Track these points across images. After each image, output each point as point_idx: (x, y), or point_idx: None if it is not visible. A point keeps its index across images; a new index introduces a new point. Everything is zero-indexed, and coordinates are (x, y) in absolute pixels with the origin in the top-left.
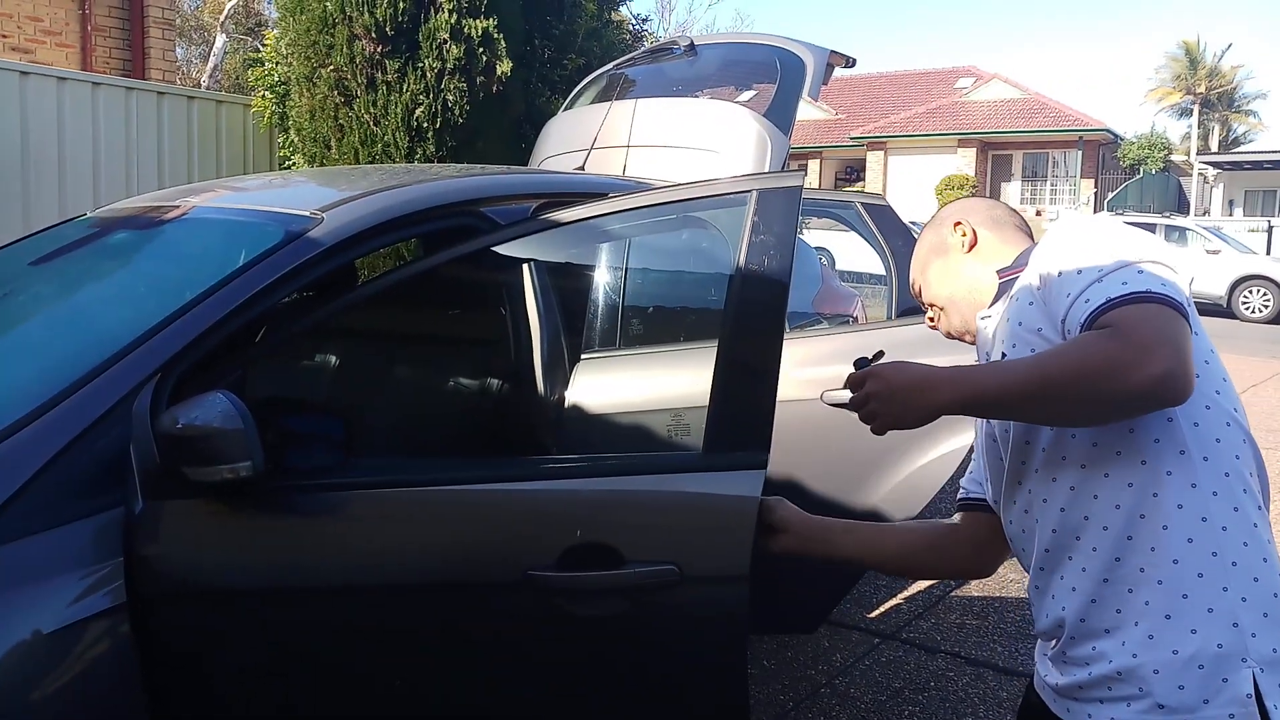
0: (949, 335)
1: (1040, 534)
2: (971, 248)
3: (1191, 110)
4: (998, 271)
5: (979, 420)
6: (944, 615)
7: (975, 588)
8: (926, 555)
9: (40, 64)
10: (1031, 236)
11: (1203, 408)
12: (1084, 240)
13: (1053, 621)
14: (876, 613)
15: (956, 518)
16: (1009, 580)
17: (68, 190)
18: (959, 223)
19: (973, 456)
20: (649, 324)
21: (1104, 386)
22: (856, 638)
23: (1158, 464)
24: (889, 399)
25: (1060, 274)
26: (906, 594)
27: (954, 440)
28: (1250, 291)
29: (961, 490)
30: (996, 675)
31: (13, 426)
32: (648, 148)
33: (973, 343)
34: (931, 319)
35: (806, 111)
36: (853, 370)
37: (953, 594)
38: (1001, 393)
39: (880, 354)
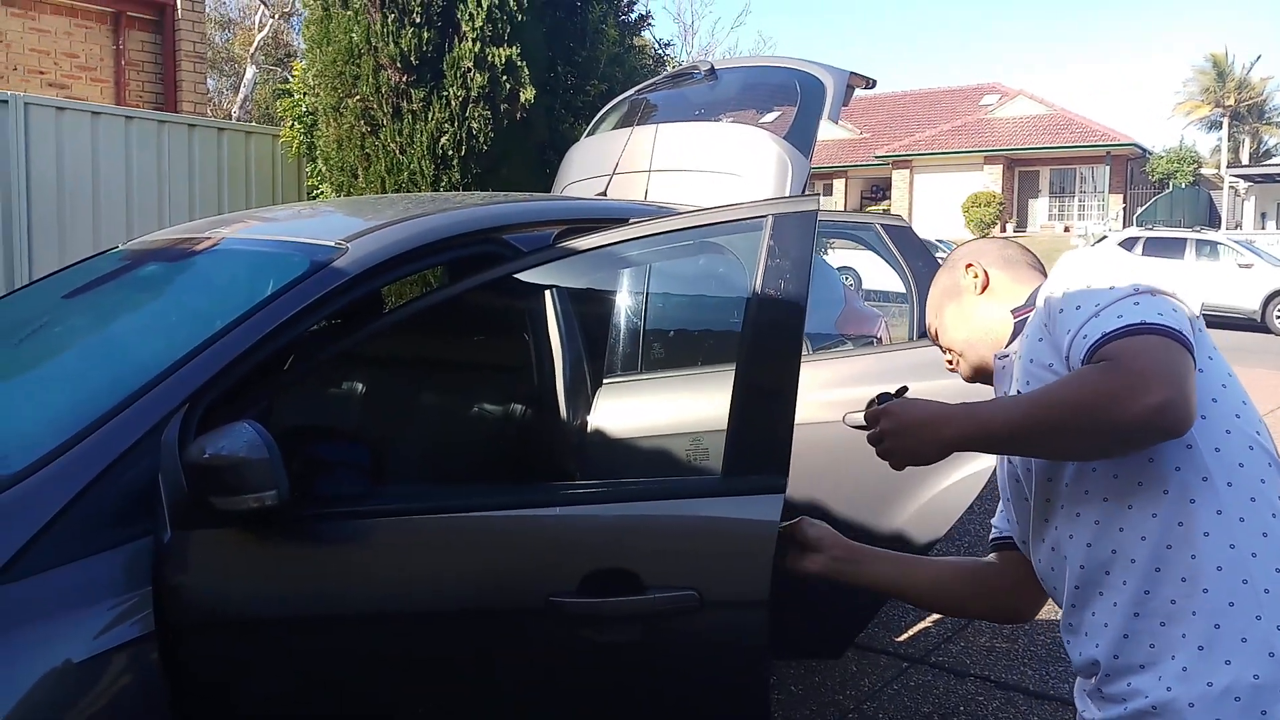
0: (968, 379)
1: (1070, 571)
2: (984, 289)
3: (1221, 123)
4: (1012, 311)
5: (999, 459)
6: (973, 639)
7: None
8: (961, 591)
9: (76, 99)
10: (1045, 273)
11: (1223, 432)
12: (1083, 275)
13: (1087, 660)
14: (905, 636)
15: (992, 557)
16: None
17: (102, 222)
18: (970, 264)
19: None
20: (669, 348)
21: (1103, 418)
22: (885, 662)
23: (1181, 492)
24: (901, 436)
25: (1062, 310)
26: (935, 617)
27: (978, 463)
28: None
29: (994, 530)
30: (1027, 699)
31: (45, 458)
32: (669, 172)
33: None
34: (950, 362)
35: (831, 131)
36: (873, 403)
37: None
38: (1005, 428)
39: (904, 389)
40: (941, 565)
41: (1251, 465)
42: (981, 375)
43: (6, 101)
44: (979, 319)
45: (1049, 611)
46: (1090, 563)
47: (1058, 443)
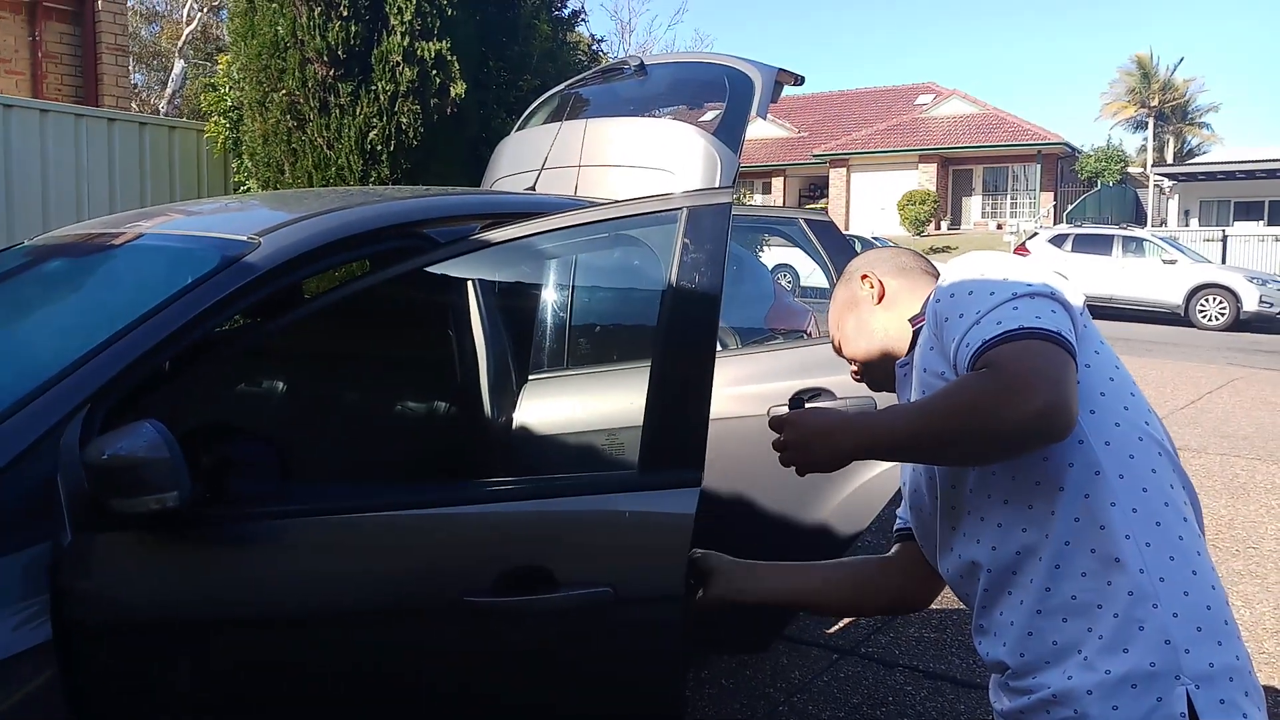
0: (874, 388)
1: (980, 575)
2: (881, 298)
3: (1146, 123)
4: (910, 320)
5: (903, 470)
6: (902, 630)
7: (935, 601)
8: (851, 592)
9: None
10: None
11: (1112, 425)
12: (965, 283)
13: (996, 660)
14: (835, 629)
15: (894, 550)
16: None
17: (15, 219)
18: (866, 275)
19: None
20: (591, 343)
21: (985, 425)
22: (815, 654)
23: (1076, 488)
24: (801, 446)
25: (947, 320)
26: None
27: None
28: (1206, 300)
29: (899, 520)
30: (954, 688)
31: None
32: (599, 167)
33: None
34: (855, 372)
35: (768, 129)
36: (782, 409)
37: None
38: (893, 437)
39: (801, 398)
40: (832, 568)
41: (1142, 456)
42: (885, 383)
43: None
44: (878, 329)
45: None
46: (996, 565)
47: (946, 450)
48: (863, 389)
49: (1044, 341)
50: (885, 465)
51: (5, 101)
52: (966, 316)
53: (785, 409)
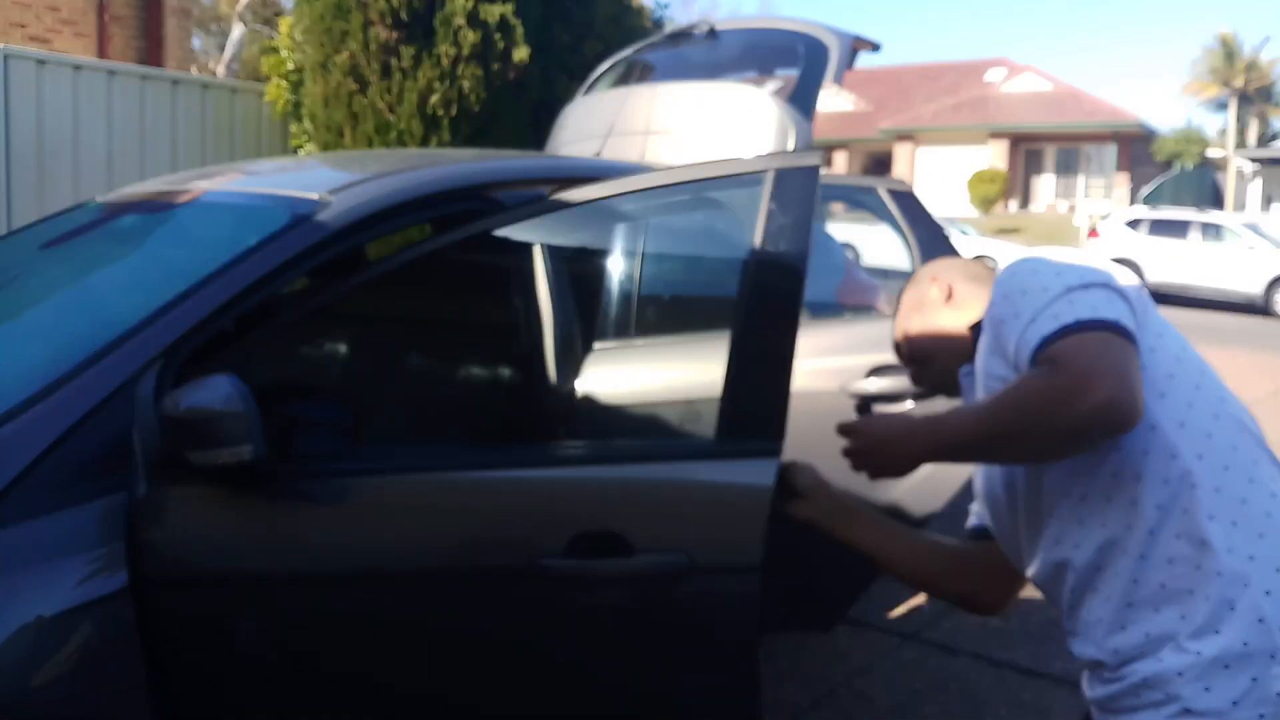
0: (934, 389)
1: (1067, 576)
2: (949, 298)
3: (1228, 104)
4: (970, 327)
5: (977, 470)
6: (965, 616)
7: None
8: (936, 568)
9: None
10: None
11: (1185, 406)
12: (1019, 283)
13: (1090, 659)
14: (897, 612)
15: (970, 546)
16: None
17: (82, 177)
18: (935, 277)
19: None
20: (664, 311)
21: (1050, 421)
22: (876, 637)
23: (1154, 475)
24: (870, 454)
25: (1004, 321)
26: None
27: None
28: None
29: (973, 518)
30: (1019, 676)
31: (18, 408)
32: (667, 134)
33: (957, 395)
34: (914, 374)
35: (833, 103)
36: (883, 360)
37: None
38: (961, 439)
39: (869, 402)
40: (922, 539)
41: (1221, 434)
42: (945, 386)
43: None
44: (944, 330)
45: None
46: (1081, 563)
47: (1013, 448)
48: None
49: (1103, 332)
50: None
51: (75, 63)
52: (1023, 315)
53: (863, 383)
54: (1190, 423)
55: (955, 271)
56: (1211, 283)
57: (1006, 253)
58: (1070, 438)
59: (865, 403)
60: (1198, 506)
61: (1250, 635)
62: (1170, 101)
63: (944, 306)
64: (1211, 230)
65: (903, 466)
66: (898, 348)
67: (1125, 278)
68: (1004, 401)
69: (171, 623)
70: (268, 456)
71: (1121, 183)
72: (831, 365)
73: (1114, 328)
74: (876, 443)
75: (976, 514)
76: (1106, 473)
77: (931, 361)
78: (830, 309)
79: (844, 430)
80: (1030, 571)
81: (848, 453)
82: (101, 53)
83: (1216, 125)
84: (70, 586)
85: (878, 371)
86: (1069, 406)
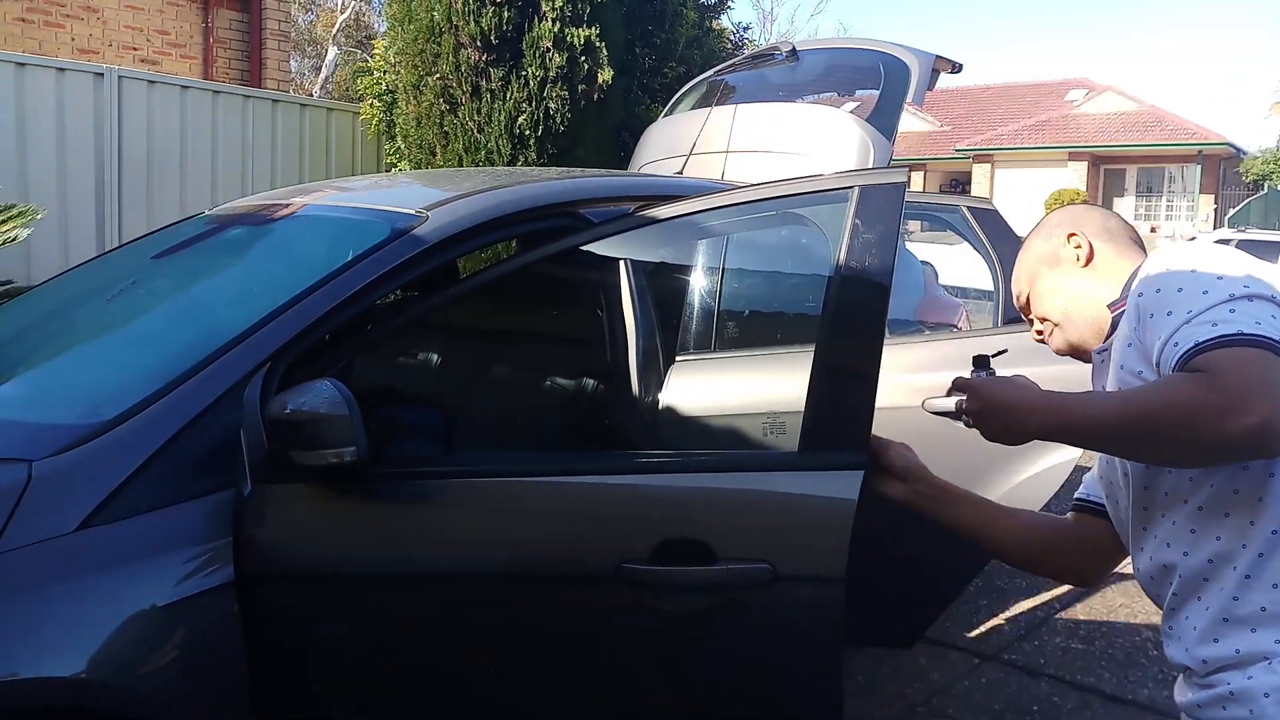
0: (1060, 352)
1: (1172, 579)
2: (1089, 262)
3: None
4: (1109, 305)
5: (1099, 458)
6: (1048, 638)
7: (1081, 611)
8: (1035, 545)
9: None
10: (1145, 250)
11: None
12: (1174, 277)
13: (1180, 663)
14: (977, 632)
15: (1070, 517)
16: (1116, 605)
17: (188, 191)
18: (1073, 234)
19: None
20: (746, 325)
21: (1195, 433)
22: (956, 657)
23: (1277, 500)
24: (984, 417)
25: (1153, 315)
26: (1008, 614)
27: (1062, 453)
28: None
29: (1083, 490)
30: (1103, 702)
31: (133, 409)
32: (747, 153)
33: (1087, 360)
34: (1040, 332)
35: (911, 123)
36: (967, 373)
37: (1057, 616)
38: (1087, 426)
39: (1003, 351)
40: (1020, 516)
41: None
42: (1075, 351)
43: (102, 74)
44: (1080, 295)
45: (1128, 614)
46: (1188, 570)
47: (1143, 447)
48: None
49: (1265, 350)
50: (1047, 463)
51: (182, 83)
52: (1176, 314)
53: (941, 400)
54: None
55: (1093, 225)
56: None
57: None
58: (1209, 452)
59: (984, 359)
60: None
61: None
62: (1259, 121)
63: (1081, 270)
64: None
65: (1014, 437)
66: (1020, 303)
67: None
68: (1147, 400)
69: (271, 616)
70: (368, 458)
71: (1207, 204)
72: (909, 382)
73: (1276, 347)
74: (992, 405)
75: (1088, 485)
76: (1228, 489)
77: (1060, 327)
78: (909, 326)
79: (959, 387)
80: (1136, 566)
81: (968, 411)
82: (206, 74)
83: None
84: (178, 579)
85: (986, 356)
86: (1220, 423)
